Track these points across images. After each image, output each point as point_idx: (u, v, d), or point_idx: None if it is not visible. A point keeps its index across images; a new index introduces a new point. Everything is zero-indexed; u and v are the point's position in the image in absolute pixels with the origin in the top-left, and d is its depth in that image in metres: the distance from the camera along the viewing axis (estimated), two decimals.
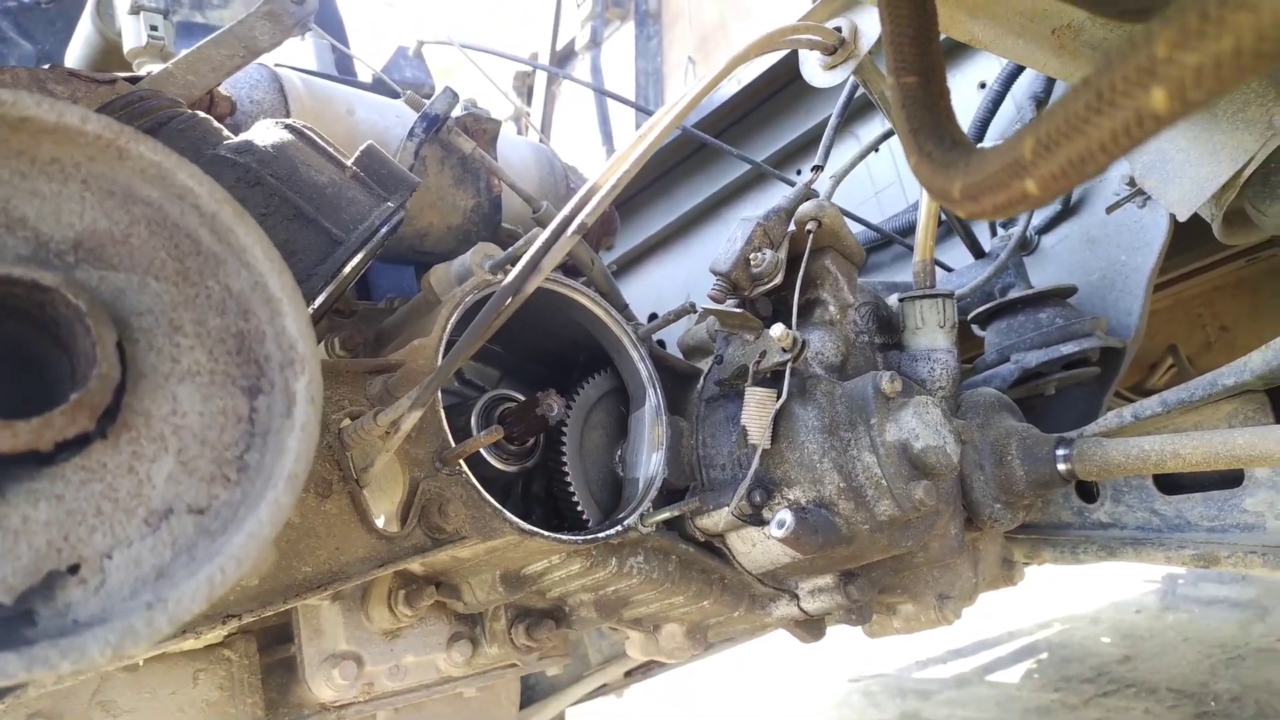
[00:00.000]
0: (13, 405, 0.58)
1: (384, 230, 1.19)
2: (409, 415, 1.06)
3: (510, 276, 0.99)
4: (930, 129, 0.71)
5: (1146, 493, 1.75)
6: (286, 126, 1.20)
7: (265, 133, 1.20)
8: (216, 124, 1.22)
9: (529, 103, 3.51)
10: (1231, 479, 1.64)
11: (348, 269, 1.15)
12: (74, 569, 0.58)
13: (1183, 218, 1.53)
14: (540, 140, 2.61)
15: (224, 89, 1.40)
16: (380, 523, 1.28)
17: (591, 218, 0.97)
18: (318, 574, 1.11)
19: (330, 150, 1.23)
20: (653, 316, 1.59)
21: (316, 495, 1.14)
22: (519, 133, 3.41)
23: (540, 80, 3.44)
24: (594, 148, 3.31)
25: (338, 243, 1.15)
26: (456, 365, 1.07)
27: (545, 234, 0.98)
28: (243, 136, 1.19)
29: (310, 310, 1.14)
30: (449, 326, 1.32)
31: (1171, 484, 1.73)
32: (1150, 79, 0.43)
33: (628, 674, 3.23)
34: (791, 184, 2.12)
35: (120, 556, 0.59)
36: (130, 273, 0.65)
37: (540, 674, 2.91)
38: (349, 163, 1.23)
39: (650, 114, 2.52)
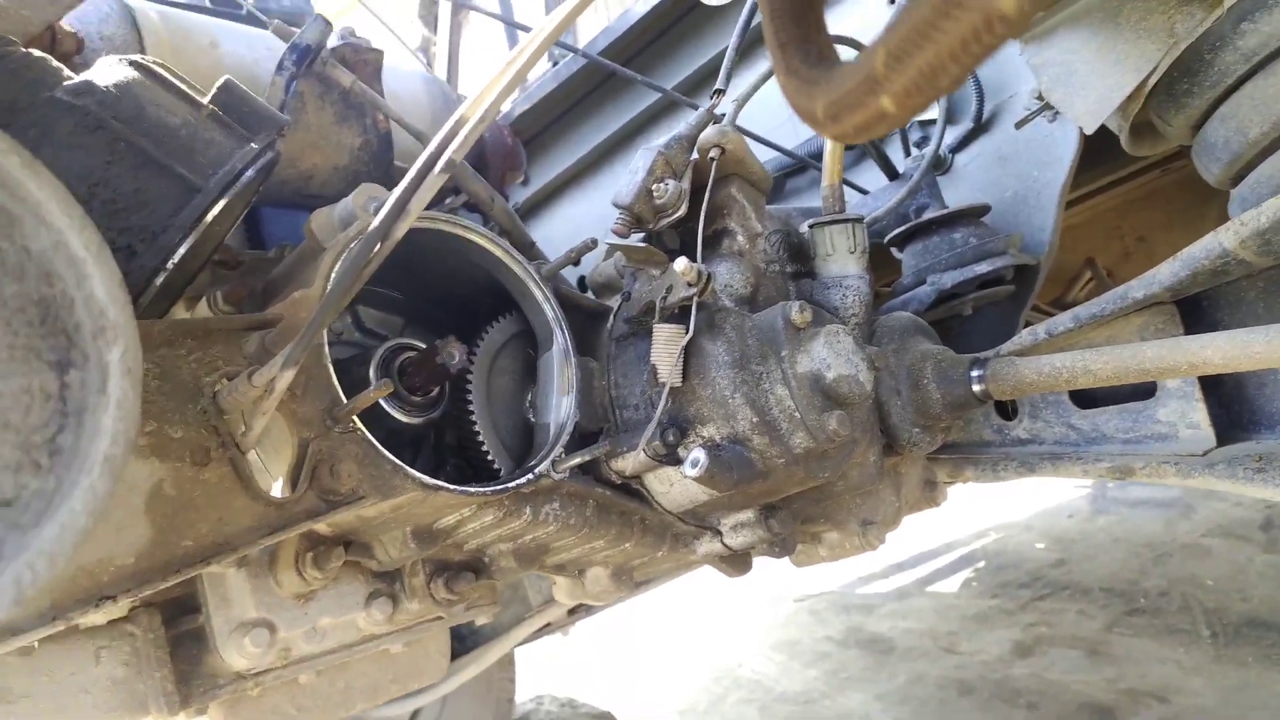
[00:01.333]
0: None
1: (249, 174, 1.11)
2: (282, 375, 0.99)
3: (376, 220, 0.92)
4: (798, 44, 0.65)
5: (1063, 408, 1.76)
6: (131, 63, 1.10)
7: (108, 71, 1.10)
8: (56, 64, 1.11)
9: (436, 31, 3.36)
10: (1144, 390, 1.65)
11: (209, 217, 1.07)
12: None
13: (1089, 130, 1.50)
14: (441, 71, 2.50)
15: (69, 24, 1.29)
16: (276, 488, 1.22)
17: (460, 153, 0.90)
18: (200, 547, 1.05)
19: (183, 88, 1.13)
20: None
21: (194, 464, 1.07)
22: (427, 64, 3.27)
23: (445, 7, 3.28)
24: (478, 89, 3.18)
25: (195, 190, 1.06)
26: (329, 319, 1.00)
27: (411, 172, 0.91)
28: (82, 77, 1.09)
29: (170, 264, 1.07)
30: (333, 275, 1.24)
31: (1087, 398, 1.74)
32: None
33: (571, 612, 3.24)
34: None
35: None
36: None
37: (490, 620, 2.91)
38: (206, 101, 1.14)
39: (562, 44, 2.42)
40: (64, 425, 0.60)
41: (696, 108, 2.12)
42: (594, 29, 2.91)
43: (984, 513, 6.65)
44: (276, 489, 1.21)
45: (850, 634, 5.05)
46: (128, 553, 1.00)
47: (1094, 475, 1.69)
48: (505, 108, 2.78)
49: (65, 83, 1.08)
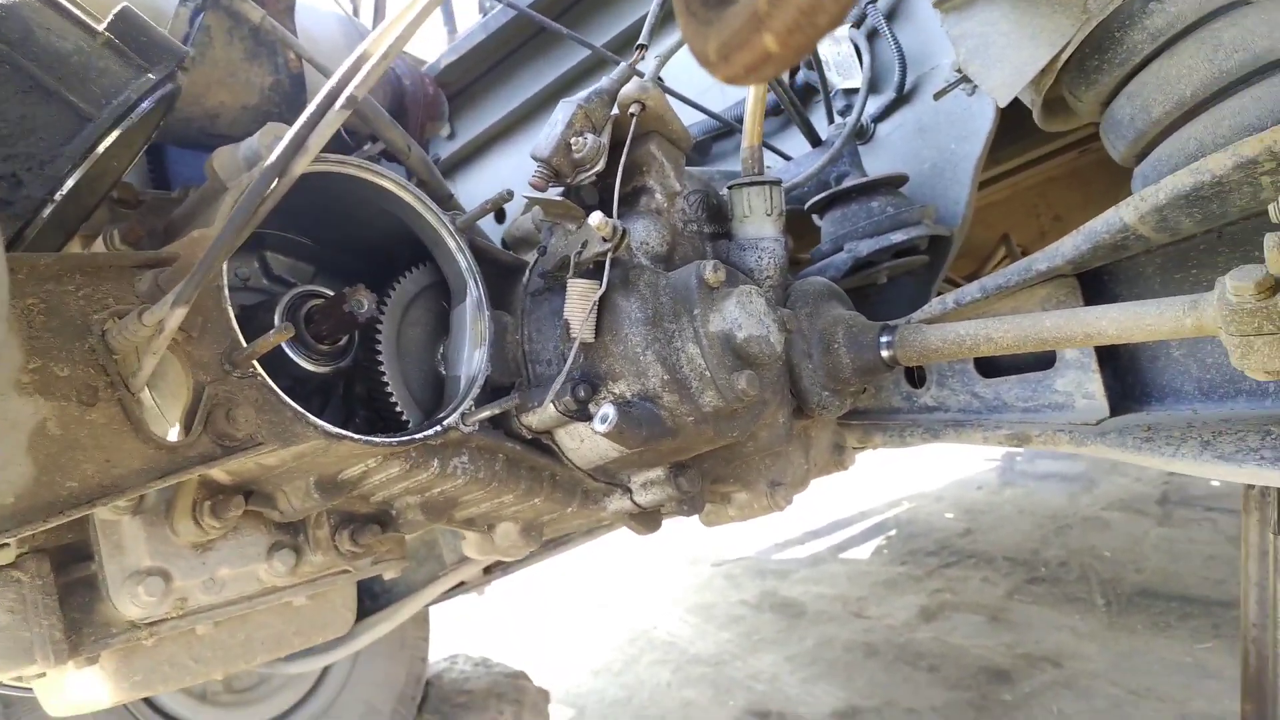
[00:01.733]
0: None
1: (145, 105, 1.06)
2: (173, 313, 0.96)
3: (273, 156, 0.89)
4: None
5: (968, 376, 1.80)
6: None
7: None
8: None
9: None
10: (1045, 361, 1.70)
11: (101, 148, 1.03)
12: None
13: (1003, 102, 1.53)
14: (367, 18, 2.42)
15: None
16: (172, 432, 1.18)
17: (363, 89, 0.87)
18: (85, 488, 1.02)
19: (77, 13, 1.08)
20: None
21: (80, 404, 1.03)
22: (353, 10, 3.17)
23: None
24: (435, 27, 3.11)
25: (86, 119, 1.02)
26: (222, 258, 0.97)
27: (311, 107, 0.89)
28: None
29: (58, 195, 1.02)
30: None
31: (993, 368, 1.79)
32: None
33: (487, 571, 3.24)
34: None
35: None
36: None
37: (399, 575, 2.89)
38: (101, 29, 1.08)
39: None
40: None
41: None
42: None
43: (897, 483, 6.84)
44: (172, 434, 1.18)
45: (764, 598, 5.16)
46: (7, 492, 0.96)
47: (993, 442, 1.74)
48: (431, 59, 2.72)
49: None
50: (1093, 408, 1.60)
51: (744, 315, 1.38)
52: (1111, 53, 1.41)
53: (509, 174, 2.81)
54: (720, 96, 2.29)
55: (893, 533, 5.84)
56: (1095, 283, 1.61)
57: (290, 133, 0.89)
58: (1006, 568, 4.82)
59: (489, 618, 5.89)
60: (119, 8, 1.11)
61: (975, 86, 1.85)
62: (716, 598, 5.37)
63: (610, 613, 5.58)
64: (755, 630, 4.68)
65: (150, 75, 1.08)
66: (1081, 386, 1.63)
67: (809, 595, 5.03)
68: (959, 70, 1.84)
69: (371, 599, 3.03)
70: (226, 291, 1.18)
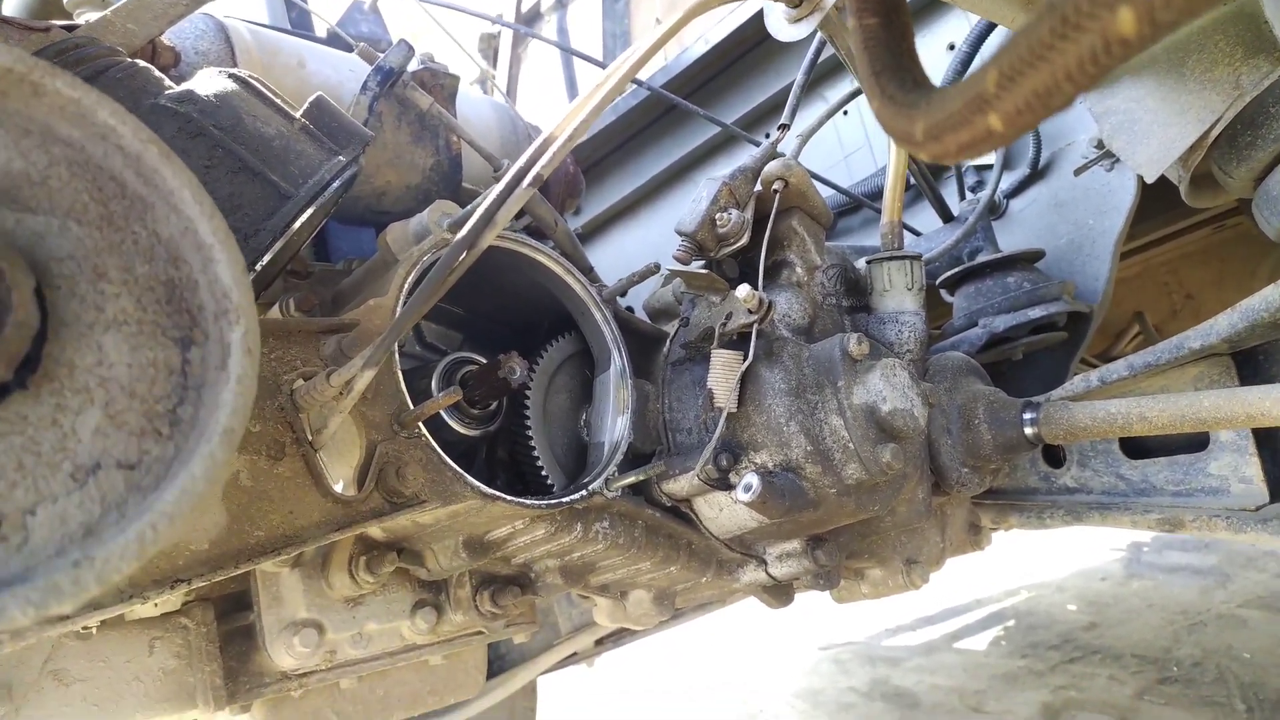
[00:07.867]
0: None
1: (335, 185, 1.15)
2: (362, 375, 1.03)
3: (463, 231, 0.96)
4: (892, 71, 0.68)
5: (1112, 457, 1.76)
6: (230, 76, 1.16)
7: (208, 82, 1.15)
8: (158, 73, 1.17)
9: (494, 64, 3.45)
10: (1196, 443, 1.65)
11: (297, 224, 1.11)
12: None
13: (1150, 179, 1.52)
14: (505, 100, 2.56)
15: (167, 39, 1.35)
16: (339, 487, 1.25)
17: (548, 170, 0.94)
18: (271, 538, 1.08)
19: (278, 101, 1.18)
20: None
21: (269, 458, 1.10)
22: (485, 93, 3.35)
23: (506, 41, 3.37)
24: (560, 110, 3.26)
25: (286, 197, 1.10)
26: (411, 323, 1.04)
27: (499, 186, 0.95)
28: (184, 86, 1.14)
29: (258, 266, 1.11)
30: (406, 286, 1.28)
31: (1137, 448, 1.74)
32: None
33: (598, 642, 3.23)
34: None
35: (44, 513, 0.56)
36: (49, 216, 0.61)
37: (510, 643, 2.91)
38: (298, 114, 1.19)
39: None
40: (184, 398, 0.63)
41: (753, 141, 2.16)
42: (653, 65, 2.97)
43: (1015, 571, 6.56)
44: (339, 488, 1.24)
45: (875, 686, 4.98)
46: (203, 538, 1.03)
47: (1142, 526, 1.68)
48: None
49: (167, 91, 1.14)
50: (1250, 493, 1.54)
51: (888, 388, 1.38)
52: (1266, 128, 1.38)
53: (635, 247, 2.89)
54: (846, 172, 2.33)
55: (1011, 623, 5.58)
56: (1250, 362, 1.56)
57: (481, 208, 0.95)
58: (1135, 665, 4.54)
59: (592, 696, 5.84)
60: (314, 96, 1.21)
61: (1115, 162, 1.84)
62: (824, 683, 5.20)
63: (714, 693, 5.46)
64: None
65: (340, 157, 1.17)
66: (1238, 470, 1.57)
67: (923, 686, 4.83)
68: (1098, 146, 1.84)
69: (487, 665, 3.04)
70: (397, 358, 1.25)
